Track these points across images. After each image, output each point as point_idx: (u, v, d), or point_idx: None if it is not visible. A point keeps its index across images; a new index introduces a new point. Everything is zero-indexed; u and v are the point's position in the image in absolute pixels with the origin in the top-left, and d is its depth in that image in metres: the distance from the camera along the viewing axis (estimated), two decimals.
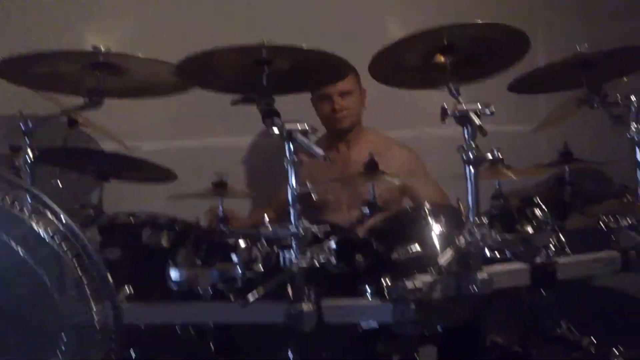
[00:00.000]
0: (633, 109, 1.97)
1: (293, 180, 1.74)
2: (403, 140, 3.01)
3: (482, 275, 1.69)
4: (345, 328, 1.86)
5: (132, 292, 1.90)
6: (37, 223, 1.32)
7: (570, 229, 2.06)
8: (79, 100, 2.19)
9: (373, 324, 1.79)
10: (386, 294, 1.77)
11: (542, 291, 1.99)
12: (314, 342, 1.75)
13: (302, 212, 1.74)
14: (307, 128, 1.76)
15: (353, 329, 1.88)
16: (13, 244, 1.30)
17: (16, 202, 1.33)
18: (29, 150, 2.03)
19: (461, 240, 1.70)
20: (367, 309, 1.76)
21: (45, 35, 2.81)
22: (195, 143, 3.00)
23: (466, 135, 1.74)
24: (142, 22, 2.95)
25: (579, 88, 2.19)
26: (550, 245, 1.86)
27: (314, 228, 1.74)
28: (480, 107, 1.74)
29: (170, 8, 2.97)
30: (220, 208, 2.15)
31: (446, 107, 1.76)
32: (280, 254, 1.76)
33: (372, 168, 2.16)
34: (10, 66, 2.06)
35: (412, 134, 3.14)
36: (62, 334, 1.28)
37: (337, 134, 2.82)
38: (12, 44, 2.67)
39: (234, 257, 1.84)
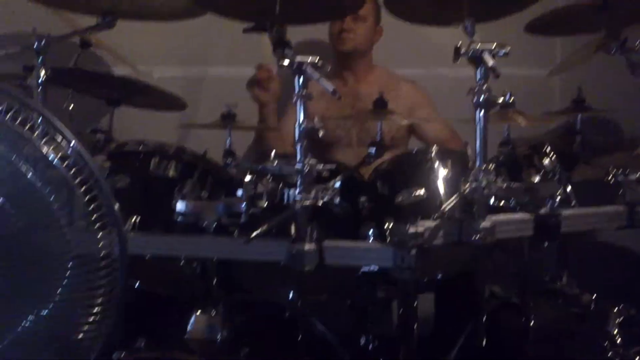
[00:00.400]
0: None
1: (301, 116, 1.71)
2: (414, 78, 2.96)
3: (484, 223, 1.67)
4: (346, 270, 1.89)
5: (138, 221, 1.93)
6: (47, 146, 1.31)
7: (577, 180, 2.04)
8: (92, 21, 2.17)
9: (373, 267, 1.81)
10: (388, 237, 1.78)
11: (545, 243, 1.98)
12: (314, 283, 1.77)
13: (311, 148, 1.72)
14: (318, 61, 1.72)
15: (353, 272, 1.91)
16: (22, 164, 1.29)
17: (27, 123, 1.31)
18: (41, 70, 2.02)
19: (466, 187, 1.69)
20: (368, 252, 1.76)
21: None
22: (206, 72, 2.97)
23: (478, 77, 1.69)
24: None
25: (597, 32, 2.12)
26: (556, 196, 1.83)
27: (320, 166, 1.73)
28: (494, 47, 1.68)
29: None
30: (228, 140, 2.14)
31: (460, 46, 1.71)
32: (285, 191, 1.76)
33: (380, 106, 2.12)
34: None
35: (424, 73, 3.08)
36: (69, 261, 1.30)
37: (342, 59, 2.77)
38: None
39: (239, 192, 1.84)
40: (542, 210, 1.81)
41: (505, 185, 1.72)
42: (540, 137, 2.40)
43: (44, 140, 1.32)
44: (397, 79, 2.84)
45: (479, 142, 1.69)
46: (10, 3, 2.41)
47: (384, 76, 2.83)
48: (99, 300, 1.32)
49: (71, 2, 2.22)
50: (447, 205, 1.68)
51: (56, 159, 1.31)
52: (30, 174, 1.28)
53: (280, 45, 1.82)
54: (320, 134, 1.72)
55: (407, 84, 2.84)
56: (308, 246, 1.70)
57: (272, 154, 1.85)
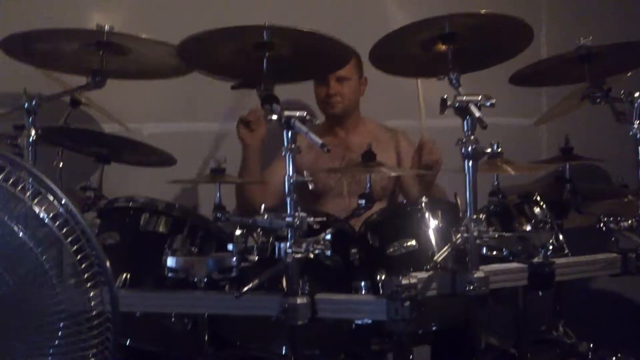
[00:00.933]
0: (636, 105, 1.92)
1: (290, 169, 1.72)
2: (404, 131, 3.00)
3: (478, 274, 1.67)
4: (339, 323, 1.86)
5: (129, 278, 1.91)
6: (37, 204, 1.30)
7: (568, 228, 2.05)
8: (81, 80, 2.19)
9: (367, 319, 1.79)
10: (380, 289, 1.76)
11: (539, 292, 1.97)
12: (308, 336, 1.74)
13: (303, 198, 1.73)
14: (306, 115, 1.74)
15: (347, 325, 1.89)
16: (13, 224, 1.28)
17: (17, 182, 1.31)
18: (31, 130, 2.03)
19: (458, 237, 1.69)
20: (361, 304, 1.75)
21: (48, 13, 2.78)
22: (196, 127, 2.99)
23: (465, 128, 1.71)
24: (145, 3, 2.92)
25: (582, 82, 2.17)
26: (549, 244, 1.84)
27: (310, 219, 1.73)
28: (480, 99, 1.71)
29: None
30: (218, 194, 2.14)
31: (446, 98, 1.74)
32: (276, 245, 1.75)
33: (369, 159, 2.14)
34: (14, 44, 2.07)
35: (411, 124, 3.12)
36: (61, 318, 1.27)
37: (333, 119, 2.81)
38: (16, 22, 2.64)
39: (230, 247, 1.83)
40: (536, 260, 1.81)
41: (497, 234, 1.72)
42: (529, 186, 2.42)
43: (35, 199, 1.31)
44: (385, 130, 2.88)
45: (469, 192, 1.70)
46: (1, 65, 2.44)
47: (373, 127, 2.86)
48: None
49: (59, 63, 2.25)
50: (440, 256, 1.68)
51: (47, 218, 1.30)
52: (21, 233, 1.27)
53: (268, 101, 1.85)
54: (310, 187, 1.73)
55: (396, 135, 2.87)
56: (300, 300, 1.68)
57: (262, 207, 1.85)
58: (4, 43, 2.04)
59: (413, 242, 1.87)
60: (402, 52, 2.06)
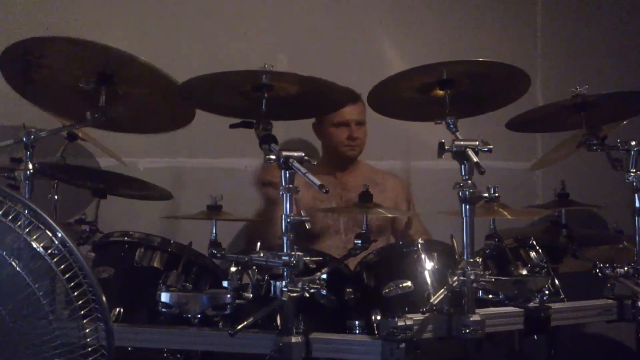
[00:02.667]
0: (633, 153, 1.95)
1: (287, 208, 1.72)
2: (398, 172, 3.03)
3: (474, 317, 1.67)
4: None
5: (122, 312, 1.89)
6: (32, 237, 1.30)
7: (564, 273, 2.05)
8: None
9: None
10: (375, 330, 1.75)
11: (535, 337, 1.96)
12: None
13: (301, 236, 1.73)
14: (304, 156, 1.75)
15: None
16: (8, 256, 1.28)
17: (13, 215, 1.31)
18: (29, 164, 2.03)
19: (454, 279, 1.69)
20: (356, 345, 1.73)
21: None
22: (192, 163, 3.00)
23: (463, 172, 1.73)
24: (143, 45, 2.95)
25: (577, 129, 2.20)
26: (545, 289, 1.84)
27: (307, 258, 1.73)
28: (478, 144, 1.73)
29: (171, 31, 2.99)
30: (214, 231, 2.14)
31: (444, 142, 1.76)
32: (271, 283, 1.74)
33: (366, 199, 2.15)
34: (14, 74, 2.06)
35: (405, 165, 3.16)
36: (56, 354, 1.26)
37: (342, 162, 2.83)
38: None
39: (225, 283, 1.82)
40: (532, 304, 1.82)
41: (493, 278, 1.72)
42: (525, 230, 2.44)
43: (32, 232, 1.31)
44: (381, 173, 2.90)
45: (466, 235, 1.71)
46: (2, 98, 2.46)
47: (368, 170, 2.89)
48: None
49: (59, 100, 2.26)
50: (436, 298, 1.67)
51: (44, 252, 1.29)
52: (16, 265, 1.26)
53: (267, 141, 1.86)
54: (308, 226, 1.73)
55: (391, 178, 2.90)
56: (295, 339, 1.67)
57: (258, 245, 1.85)
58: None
59: (409, 283, 1.87)
60: (400, 96, 2.08)
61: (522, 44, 3.35)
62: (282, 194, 1.72)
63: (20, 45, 2.01)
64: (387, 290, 1.89)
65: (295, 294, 1.68)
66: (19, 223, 1.27)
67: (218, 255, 2.02)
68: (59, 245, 1.30)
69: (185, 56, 2.92)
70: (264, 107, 1.93)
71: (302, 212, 1.74)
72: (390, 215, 2.65)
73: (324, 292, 1.75)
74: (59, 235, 1.30)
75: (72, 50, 2.07)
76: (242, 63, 1.93)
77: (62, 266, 1.26)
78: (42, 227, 1.30)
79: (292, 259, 1.69)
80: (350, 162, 2.85)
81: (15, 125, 2.32)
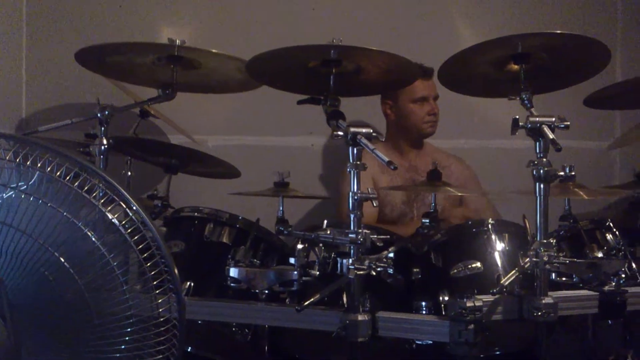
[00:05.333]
0: None
1: (355, 186, 1.71)
2: (468, 151, 2.95)
3: (547, 299, 1.62)
4: (400, 342, 1.83)
5: (192, 286, 1.94)
6: (109, 210, 1.34)
7: None
8: (151, 92, 2.26)
9: (428, 340, 1.75)
10: (443, 311, 1.72)
11: (609, 321, 1.89)
12: (367, 354, 1.72)
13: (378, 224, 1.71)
14: (372, 132, 1.73)
15: (407, 344, 1.85)
16: (86, 229, 1.32)
17: (88, 187, 1.35)
18: (103, 138, 2.09)
19: (526, 261, 1.64)
20: (423, 325, 1.72)
21: (122, 27, 2.89)
22: (260, 141, 3.02)
23: (537, 150, 1.67)
24: (215, 18, 2.99)
25: None
26: (621, 272, 1.76)
27: (374, 236, 1.72)
28: (554, 120, 1.66)
29: (242, 6, 3.00)
30: (281, 208, 2.16)
31: (518, 118, 1.69)
32: (338, 260, 1.74)
33: (434, 178, 2.11)
34: (89, 56, 2.14)
35: (478, 144, 3.07)
36: (128, 322, 1.30)
37: (414, 140, 2.78)
38: (91, 35, 2.76)
39: (292, 260, 1.83)
40: (607, 288, 1.75)
41: (567, 260, 1.66)
42: (601, 212, 2.34)
43: (107, 205, 1.34)
44: (445, 154, 2.84)
45: (539, 216, 1.66)
46: (76, 75, 2.54)
47: (433, 151, 2.84)
48: None
49: (133, 76, 2.32)
50: (507, 279, 1.63)
51: (119, 224, 1.33)
52: (93, 238, 1.30)
53: (334, 117, 1.85)
54: (375, 204, 1.71)
55: (456, 160, 2.83)
56: (361, 317, 1.67)
57: (324, 223, 1.84)
58: (79, 55, 2.11)
59: (478, 264, 1.82)
60: (472, 72, 2.03)
61: (601, 15, 3.18)
62: (350, 171, 1.71)
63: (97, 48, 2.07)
64: (455, 270, 1.85)
65: (361, 272, 1.67)
66: (94, 194, 1.30)
67: (285, 232, 2.03)
68: (133, 218, 1.33)
69: (254, 32, 2.93)
70: (332, 82, 1.92)
71: (368, 189, 1.72)
72: (459, 194, 2.59)
73: (390, 270, 1.74)
74: (134, 207, 1.33)
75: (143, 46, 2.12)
76: (311, 39, 1.91)
77: (136, 237, 1.29)
78: (116, 199, 1.33)
79: (359, 237, 1.68)
80: (421, 142, 2.80)
81: (89, 102, 2.40)
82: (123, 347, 1.28)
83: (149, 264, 1.28)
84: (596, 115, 2.46)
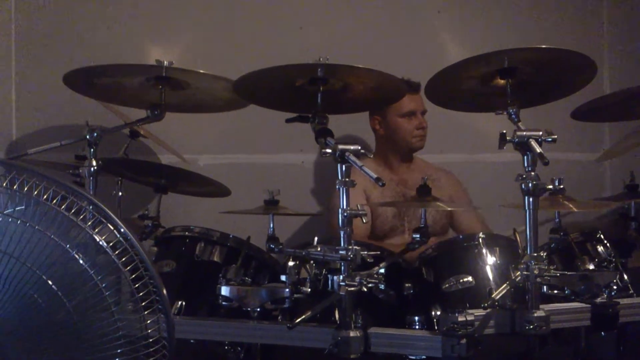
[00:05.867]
0: None
1: (345, 202, 1.71)
2: (456, 164, 2.97)
3: (539, 312, 1.62)
4: (393, 358, 1.82)
5: (184, 305, 1.93)
6: (97, 233, 1.33)
7: (633, 267, 1.96)
8: (140, 113, 2.26)
9: (421, 355, 1.74)
10: (435, 326, 1.72)
11: (602, 333, 1.89)
12: None
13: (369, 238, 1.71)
14: (360, 149, 1.73)
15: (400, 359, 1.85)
16: (74, 251, 1.31)
17: (78, 211, 1.35)
18: (93, 160, 2.09)
19: (517, 275, 1.64)
20: (416, 340, 1.71)
21: (109, 49, 2.90)
22: (250, 159, 3.03)
23: (525, 164, 1.68)
24: (202, 38, 3.00)
25: None
26: (613, 284, 1.76)
27: (364, 252, 1.72)
28: (541, 134, 1.68)
29: (229, 26, 3.02)
30: (271, 225, 2.15)
31: (505, 132, 1.70)
32: (329, 277, 1.74)
33: (424, 193, 2.11)
34: (77, 78, 2.14)
35: (466, 158, 3.09)
36: (118, 342, 1.29)
37: (403, 155, 2.79)
38: (79, 57, 2.77)
39: (283, 277, 1.83)
40: (599, 300, 1.75)
41: (558, 273, 1.67)
42: (592, 223, 2.35)
43: (95, 228, 1.34)
44: (434, 168, 2.85)
45: (529, 229, 1.66)
46: (65, 98, 2.55)
47: (424, 166, 2.85)
48: None
49: (120, 97, 2.32)
50: (498, 293, 1.63)
51: (107, 246, 1.32)
52: (81, 260, 1.30)
53: (323, 135, 1.85)
54: (364, 220, 1.71)
55: (446, 174, 2.84)
56: (353, 333, 1.66)
57: (315, 240, 1.84)
58: (68, 77, 2.12)
59: (469, 278, 1.83)
60: (459, 87, 2.04)
61: (588, 29, 3.21)
62: (338, 188, 1.71)
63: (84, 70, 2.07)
64: (447, 285, 1.85)
65: (353, 288, 1.67)
66: (82, 216, 1.30)
67: (276, 249, 2.03)
68: (121, 239, 1.33)
69: (242, 51, 2.94)
70: (319, 100, 1.93)
71: (357, 205, 1.72)
72: (448, 209, 2.60)
73: (382, 286, 1.74)
74: (122, 230, 1.33)
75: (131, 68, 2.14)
76: (298, 57, 1.92)
77: (124, 258, 1.29)
78: (104, 221, 1.33)
79: (350, 253, 1.68)
80: (410, 156, 2.82)
81: (78, 124, 2.40)
82: None
83: (137, 285, 1.28)
84: (585, 127, 2.48)
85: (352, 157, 1.70)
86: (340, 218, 1.70)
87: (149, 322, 1.29)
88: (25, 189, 1.25)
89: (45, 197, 1.26)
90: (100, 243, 1.33)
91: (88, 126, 2.15)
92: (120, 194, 2.45)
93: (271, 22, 3.03)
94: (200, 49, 2.96)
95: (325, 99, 1.93)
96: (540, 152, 1.62)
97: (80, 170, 2.13)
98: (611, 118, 2.53)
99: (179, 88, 2.19)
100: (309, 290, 1.81)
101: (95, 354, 1.28)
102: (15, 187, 1.24)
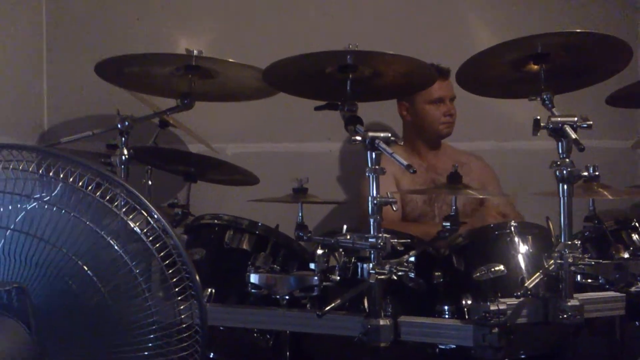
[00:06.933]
0: None
1: (374, 190, 1.70)
2: (486, 152, 2.94)
3: (572, 302, 1.60)
4: (422, 347, 1.82)
5: (214, 293, 1.94)
6: (131, 220, 1.34)
7: None
8: (169, 102, 2.27)
9: (452, 345, 1.73)
10: (466, 315, 1.70)
11: (637, 323, 1.86)
12: (389, 358, 1.71)
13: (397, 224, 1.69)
14: (390, 136, 1.72)
15: (430, 349, 1.84)
16: (108, 238, 1.33)
17: (110, 196, 1.36)
18: (124, 149, 2.11)
19: (550, 263, 1.62)
20: (446, 329, 1.70)
21: (139, 38, 2.92)
22: (278, 148, 3.03)
23: (560, 150, 1.65)
24: (231, 27, 3.01)
25: None
26: None
27: (394, 241, 1.70)
28: (577, 120, 1.64)
29: (257, 15, 3.02)
30: (300, 214, 2.15)
31: (539, 119, 1.67)
32: (358, 265, 1.73)
33: (455, 180, 2.09)
34: (108, 68, 2.15)
35: (496, 145, 3.05)
36: (151, 329, 1.30)
37: (431, 142, 2.77)
38: (109, 47, 2.79)
39: (312, 266, 1.83)
40: (634, 289, 1.72)
41: (593, 262, 1.64)
42: (627, 212, 2.31)
43: (129, 215, 1.35)
44: (465, 154, 2.83)
45: (563, 217, 1.63)
46: (96, 87, 2.57)
47: (453, 152, 2.82)
48: None
49: (151, 86, 2.34)
50: (531, 282, 1.61)
51: (141, 233, 1.33)
52: (116, 246, 1.31)
53: (352, 122, 1.84)
54: (394, 208, 1.70)
55: (477, 160, 2.82)
56: (383, 321, 1.66)
57: (344, 228, 1.84)
58: (99, 67, 2.13)
59: (501, 267, 1.80)
60: (491, 73, 2.01)
61: (623, 12, 3.14)
62: (368, 175, 1.70)
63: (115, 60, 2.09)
64: (478, 274, 1.83)
65: (382, 277, 1.67)
66: (116, 204, 1.32)
67: (304, 237, 2.03)
68: (155, 226, 1.34)
69: (270, 40, 2.94)
70: (348, 88, 1.92)
71: (387, 193, 1.71)
72: (480, 197, 2.57)
73: (412, 274, 1.72)
74: (155, 216, 1.34)
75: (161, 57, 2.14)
76: (327, 45, 1.91)
77: (157, 245, 1.30)
78: (138, 208, 1.34)
79: (379, 241, 1.67)
80: (438, 143, 2.79)
81: (109, 114, 2.43)
82: (146, 353, 1.28)
83: (170, 271, 1.29)
84: (619, 114, 2.42)
85: (383, 145, 1.69)
86: (370, 206, 1.69)
87: (182, 308, 1.30)
88: (61, 175, 1.26)
89: (80, 184, 1.27)
90: (135, 229, 1.34)
91: (119, 115, 2.17)
92: (150, 182, 2.48)
93: (299, 10, 3.03)
94: (228, 38, 2.97)
95: (354, 86, 1.92)
96: (576, 138, 1.59)
97: (112, 159, 2.16)
98: None
99: (208, 77, 2.19)
100: (338, 278, 1.80)
101: (130, 340, 1.29)
102: (51, 174, 1.26)
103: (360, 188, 2.69)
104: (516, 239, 1.89)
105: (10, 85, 2.64)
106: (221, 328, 1.89)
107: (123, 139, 2.15)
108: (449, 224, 2.04)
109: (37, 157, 1.29)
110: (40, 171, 1.27)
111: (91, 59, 2.15)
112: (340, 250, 1.82)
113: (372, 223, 1.69)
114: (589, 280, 1.71)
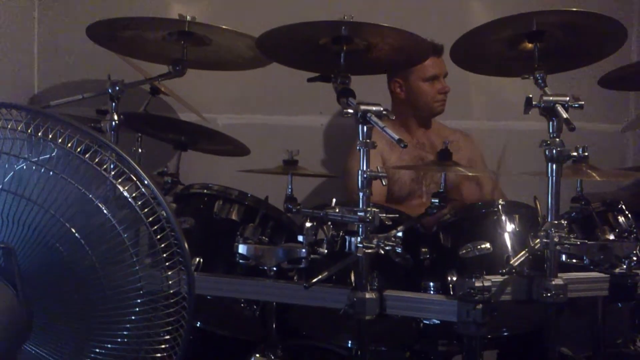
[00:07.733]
0: None
1: (364, 164, 1.70)
2: (476, 131, 2.93)
3: (557, 281, 1.61)
4: (407, 321, 1.84)
5: (201, 262, 1.94)
6: (120, 184, 1.33)
7: None
8: (161, 69, 2.25)
9: (436, 320, 1.75)
10: (451, 292, 1.72)
11: (619, 304, 1.88)
12: (374, 332, 1.73)
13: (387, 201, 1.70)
14: (383, 110, 1.71)
15: (415, 323, 1.86)
16: (97, 202, 1.32)
17: (101, 162, 1.34)
18: (114, 114, 2.09)
19: (536, 242, 1.63)
20: (431, 304, 1.71)
21: (132, 3, 2.88)
22: (269, 120, 3.02)
23: (551, 129, 1.65)
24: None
25: None
26: (632, 255, 1.75)
27: (382, 215, 1.71)
28: (568, 99, 1.64)
29: None
30: (290, 186, 2.15)
31: (531, 97, 1.67)
32: (346, 239, 1.74)
33: (445, 157, 2.10)
34: (100, 30, 2.12)
35: (487, 125, 3.05)
36: (139, 296, 1.30)
37: (422, 119, 2.76)
38: (102, 10, 2.76)
39: (300, 238, 1.83)
40: (617, 270, 1.74)
41: (578, 242, 1.65)
42: (614, 194, 2.32)
43: (118, 179, 1.34)
44: (453, 131, 2.83)
45: (551, 197, 1.64)
46: (87, 52, 2.54)
47: (440, 128, 2.82)
48: (166, 337, 1.31)
49: (143, 52, 2.31)
50: (516, 260, 1.63)
51: (130, 198, 1.32)
52: (103, 209, 1.30)
53: (345, 95, 1.83)
54: (384, 182, 1.70)
55: (464, 137, 2.82)
56: (369, 295, 1.67)
57: (333, 201, 1.84)
58: (90, 29, 2.10)
59: (487, 245, 1.82)
60: (485, 50, 2.00)
61: None
62: (359, 149, 1.70)
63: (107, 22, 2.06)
64: (464, 251, 1.84)
65: (370, 251, 1.67)
66: (105, 167, 1.30)
67: (293, 210, 2.03)
68: (144, 192, 1.33)
69: (264, 9, 2.91)
70: (342, 60, 1.90)
71: (377, 167, 1.71)
72: (470, 174, 2.58)
73: (399, 249, 1.73)
74: (146, 182, 1.32)
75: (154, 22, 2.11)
76: (321, 15, 1.89)
77: (146, 211, 1.29)
78: (128, 173, 1.33)
79: (368, 215, 1.67)
80: (430, 120, 2.79)
81: (100, 79, 2.40)
82: (133, 318, 1.28)
83: (159, 237, 1.28)
84: (610, 97, 2.43)
85: (374, 118, 1.68)
86: (359, 179, 1.69)
87: (170, 274, 1.29)
88: (50, 137, 1.25)
89: (69, 145, 1.26)
90: (124, 194, 1.32)
91: (110, 80, 2.15)
92: (140, 150, 2.46)
93: None
94: (222, 5, 2.94)
95: (348, 59, 1.90)
96: (567, 118, 1.59)
97: (102, 125, 2.13)
98: (638, 87, 2.48)
99: (201, 44, 2.17)
100: (326, 251, 1.81)
101: (117, 305, 1.29)
102: (39, 134, 1.24)
103: (346, 163, 2.69)
104: (503, 218, 1.90)
105: (0, 47, 2.60)
106: (208, 297, 1.90)
107: (113, 104, 2.12)
108: (437, 200, 2.05)
109: (26, 116, 1.27)
110: (29, 131, 1.25)
111: (83, 23, 2.11)
112: (329, 223, 1.83)
113: (361, 197, 1.69)
114: (574, 261, 1.73)
